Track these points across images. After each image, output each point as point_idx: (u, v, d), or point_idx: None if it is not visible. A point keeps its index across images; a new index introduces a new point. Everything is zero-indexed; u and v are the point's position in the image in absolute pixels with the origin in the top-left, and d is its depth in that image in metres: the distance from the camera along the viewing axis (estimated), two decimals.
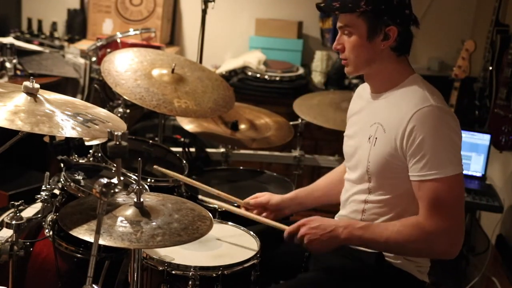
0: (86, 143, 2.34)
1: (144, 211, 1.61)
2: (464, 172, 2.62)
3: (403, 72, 1.81)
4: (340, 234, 1.75)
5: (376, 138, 1.80)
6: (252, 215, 2.01)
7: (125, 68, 2.52)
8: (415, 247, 1.73)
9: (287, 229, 1.83)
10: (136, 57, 2.64)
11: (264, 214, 2.08)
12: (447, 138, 1.69)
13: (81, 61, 3.73)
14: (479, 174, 3.09)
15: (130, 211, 1.60)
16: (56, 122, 1.65)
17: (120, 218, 1.57)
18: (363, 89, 1.99)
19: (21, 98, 1.70)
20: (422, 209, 1.71)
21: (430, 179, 1.68)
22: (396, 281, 1.84)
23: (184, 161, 2.57)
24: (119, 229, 1.53)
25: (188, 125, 2.83)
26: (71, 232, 1.53)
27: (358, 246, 1.80)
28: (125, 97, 2.39)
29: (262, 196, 2.11)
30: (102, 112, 1.87)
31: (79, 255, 2.09)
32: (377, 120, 1.81)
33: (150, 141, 2.68)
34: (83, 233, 1.52)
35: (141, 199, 1.62)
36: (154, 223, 1.57)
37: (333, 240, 1.75)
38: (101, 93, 3.18)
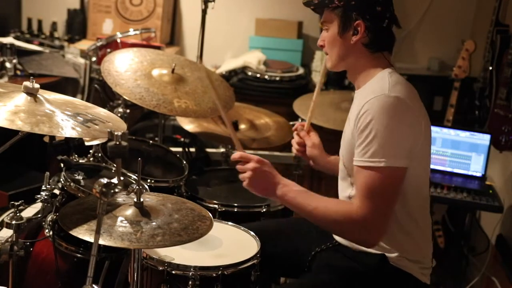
0: (86, 143, 2.34)
1: (144, 211, 1.61)
2: (464, 172, 2.62)
3: (376, 67, 1.82)
4: (277, 189, 1.80)
5: (345, 131, 1.86)
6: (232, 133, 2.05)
7: (125, 68, 2.52)
8: (337, 227, 1.76)
9: (240, 152, 1.86)
10: (136, 57, 2.64)
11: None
12: (394, 129, 1.67)
13: (81, 61, 3.73)
14: (479, 174, 3.09)
15: (130, 211, 1.60)
16: (56, 122, 1.65)
17: (120, 218, 1.57)
18: None
19: (21, 98, 1.71)
20: (356, 196, 1.72)
21: (365, 166, 1.68)
22: (398, 283, 1.84)
23: (184, 161, 2.57)
24: (119, 229, 1.53)
25: (188, 125, 2.83)
26: (71, 232, 1.53)
27: (289, 207, 1.84)
28: (125, 97, 2.39)
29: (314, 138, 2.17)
30: (102, 112, 1.87)
31: (79, 255, 2.09)
32: (349, 115, 1.86)
33: (150, 141, 2.69)
34: (83, 233, 1.52)
35: (141, 199, 1.62)
36: (154, 223, 1.58)
37: (269, 189, 1.81)
38: (101, 93, 3.18)
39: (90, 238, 1.50)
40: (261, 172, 1.81)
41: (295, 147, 2.21)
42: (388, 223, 1.72)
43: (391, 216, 1.72)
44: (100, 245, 1.42)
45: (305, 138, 2.18)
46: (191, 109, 2.46)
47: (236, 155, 1.86)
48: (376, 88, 1.74)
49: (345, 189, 1.90)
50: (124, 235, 1.51)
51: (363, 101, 1.72)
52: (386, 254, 1.82)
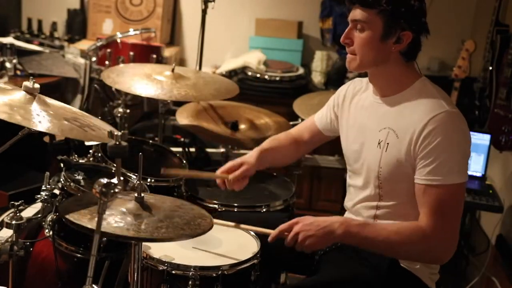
0: (86, 143, 2.34)
1: (145, 206, 1.60)
2: None
3: (410, 76, 1.79)
4: (336, 229, 1.68)
5: (387, 143, 1.77)
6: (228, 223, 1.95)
7: (125, 74, 2.54)
8: (412, 250, 1.71)
9: (279, 227, 1.75)
10: (136, 67, 2.66)
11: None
12: (459, 146, 1.69)
13: (81, 61, 3.73)
14: (479, 174, 3.09)
15: (131, 205, 1.59)
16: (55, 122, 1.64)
17: (122, 210, 1.57)
18: (361, 88, 1.95)
19: (22, 97, 1.70)
20: (423, 214, 1.70)
21: (436, 184, 1.67)
22: (406, 286, 1.83)
23: (184, 161, 2.57)
24: (123, 220, 1.52)
25: (188, 124, 2.83)
26: (74, 221, 1.50)
27: (353, 244, 1.75)
28: (123, 90, 2.39)
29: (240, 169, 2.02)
30: (97, 121, 1.85)
31: (79, 255, 2.09)
32: (387, 125, 1.78)
33: (150, 141, 2.69)
34: (87, 222, 1.51)
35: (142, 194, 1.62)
36: (156, 217, 1.57)
37: (328, 236, 1.68)
38: (101, 93, 3.18)
39: (94, 226, 1.48)
40: (309, 227, 1.69)
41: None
42: (458, 237, 1.72)
43: (459, 229, 1.72)
44: (100, 245, 1.42)
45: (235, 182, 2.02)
46: (191, 95, 2.46)
47: (273, 235, 1.74)
48: (430, 104, 1.71)
49: (367, 198, 1.86)
50: (129, 225, 1.50)
51: (419, 117, 1.69)
52: (377, 252, 1.80)
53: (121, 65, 2.71)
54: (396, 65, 1.77)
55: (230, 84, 2.72)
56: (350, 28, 1.77)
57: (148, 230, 1.50)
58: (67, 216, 1.51)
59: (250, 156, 2.05)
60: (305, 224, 1.71)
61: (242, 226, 1.92)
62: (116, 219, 1.52)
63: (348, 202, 1.96)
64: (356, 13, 1.74)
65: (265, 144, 2.12)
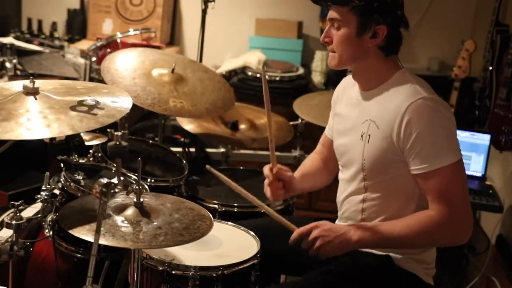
0: (86, 143, 2.34)
1: (144, 211, 1.61)
2: None
3: (390, 69, 1.80)
4: (351, 236, 1.73)
5: (369, 135, 1.79)
6: (272, 212, 1.93)
7: (124, 67, 2.51)
8: (428, 239, 1.73)
9: (297, 230, 1.80)
10: (139, 56, 2.63)
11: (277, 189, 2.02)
12: (443, 128, 1.69)
13: (81, 61, 3.73)
14: (479, 174, 3.09)
15: (130, 211, 1.60)
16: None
17: (120, 219, 1.57)
18: (349, 85, 1.97)
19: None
20: (430, 201, 1.71)
21: (433, 170, 1.68)
22: (403, 283, 1.83)
23: (184, 161, 2.57)
24: (121, 229, 1.53)
25: (188, 125, 2.83)
26: (73, 233, 1.52)
27: (370, 247, 1.80)
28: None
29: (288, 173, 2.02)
30: (104, 90, 1.82)
31: (79, 255, 2.09)
32: (368, 117, 1.80)
33: (150, 141, 2.68)
34: (85, 233, 1.52)
35: (141, 199, 1.62)
36: (155, 223, 1.57)
37: (345, 242, 1.73)
38: None
39: (92, 239, 1.49)
40: (328, 233, 1.74)
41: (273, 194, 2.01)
42: (471, 214, 1.74)
43: (469, 202, 1.74)
44: (100, 245, 1.42)
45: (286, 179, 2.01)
46: (186, 109, 2.44)
47: (294, 236, 1.78)
48: (407, 92, 1.71)
49: (355, 191, 1.87)
50: (127, 235, 1.51)
51: (396, 106, 1.70)
52: (391, 254, 1.82)
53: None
54: (376, 60, 1.78)
55: (226, 93, 2.70)
56: (328, 27, 1.80)
57: (146, 239, 1.51)
58: (70, 231, 1.52)
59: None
60: (324, 230, 1.75)
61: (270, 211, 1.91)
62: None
63: (338, 198, 1.97)
64: (332, 12, 1.77)
65: (296, 172, 2.11)
